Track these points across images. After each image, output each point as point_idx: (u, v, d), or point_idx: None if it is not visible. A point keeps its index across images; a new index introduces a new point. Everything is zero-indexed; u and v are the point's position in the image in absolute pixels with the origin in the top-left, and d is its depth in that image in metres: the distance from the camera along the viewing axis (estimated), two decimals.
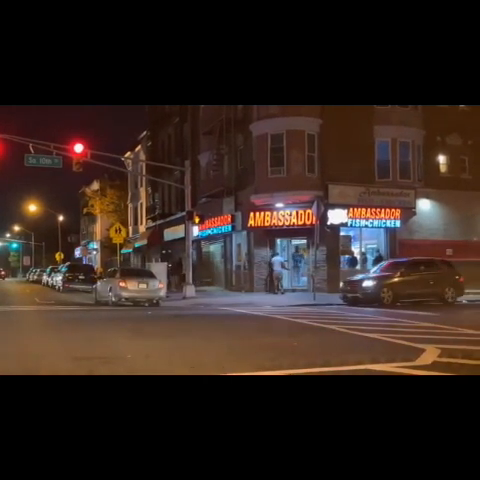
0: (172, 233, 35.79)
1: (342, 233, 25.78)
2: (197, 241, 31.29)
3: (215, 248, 32.47)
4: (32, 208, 62.68)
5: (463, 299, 20.56)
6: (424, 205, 27.00)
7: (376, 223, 25.78)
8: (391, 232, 26.39)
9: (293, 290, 25.45)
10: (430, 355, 7.53)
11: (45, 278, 43.97)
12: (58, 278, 35.09)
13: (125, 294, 20.11)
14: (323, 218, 22.97)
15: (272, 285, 24.75)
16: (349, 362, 6.96)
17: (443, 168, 28.02)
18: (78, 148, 23.29)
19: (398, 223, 26.07)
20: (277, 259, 24.71)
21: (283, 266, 24.76)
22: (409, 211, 26.29)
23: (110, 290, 20.60)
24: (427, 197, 27.01)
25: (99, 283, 23.34)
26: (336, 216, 24.78)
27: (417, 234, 26.72)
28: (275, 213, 25.21)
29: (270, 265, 24.82)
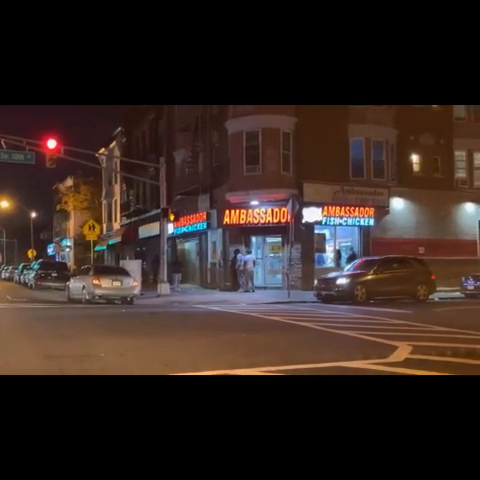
0: (147, 230, 35.57)
1: (317, 231, 25.94)
2: (172, 239, 31.16)
3: (190, 246, 32.38)
4: (4, 204, 61.62)
5: (435, 296, 20.87)
6: (397, 204, 27.32)
7: (350, 221, 26.00)
8: (365, 230, 26.64)
9: (265, 287, 25.51)
10: (403, 352, 7.62)
11: (17, 275, 43.35)
12: (30, 275, 34.64)
13: (98, 292, 19.92)
14: (298, 216, 23.07)
15: (236, 283, 24.86)
16: (324, 359, 7.00)
17: (416, 167, 28.36)
18: (51, 144, 22.97)
19: (372, 221, 26.33)
20: (251, 257, 24.80)
21: (254, 264, 24.85)
22: (383, 210, 26.58)
23: (83, 288, 20.38)
24: (400, 196, 27.33)
25: (72, 280, 23.07)
26: (311, 214, 24.92)
27: (390, 232, 27.02)
28: (250, 211, 25.24)
29: (236, 262, 24.83)
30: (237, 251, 25.42)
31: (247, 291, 24.20)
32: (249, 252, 25.18)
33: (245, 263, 24.66)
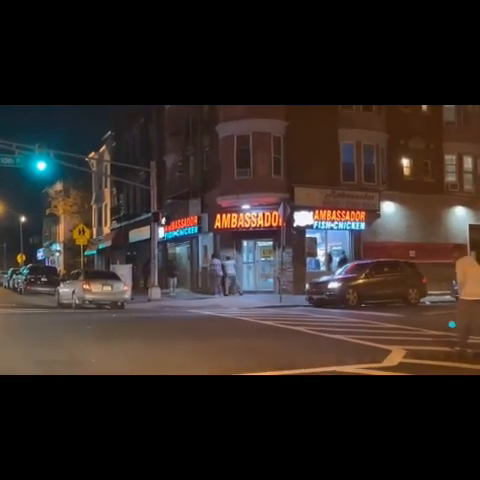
0: (137, 235, 35.41)
1: (308, 235, 25.92)
2: (163, 243, 31.04)
3: (181, 250, 32.27)
4: None
5: (426, 300, 20.92)
6: (388, 208, 27.38)
7: (341, 225, 26.01)
8: (356, 234, 26.65)
9: (255, 291, 25.42)
10: (396, 356, 7.58)
11: (6, 280, 43.01)
12: (20, 280, 34.39)
13: (89, 297, 19.76)
14: (289, 220, 23.05)
15: (222, 287, 24.78)
16: (317, 364, 6.94)
17: (406, 171, 28.44)
18: (41, 148, 22.85)
19: (363, 225, 26.35)
20: (231, 262, 24.76)
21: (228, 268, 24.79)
22: (373, 213, 26.62)
23: (73, 293, 20.22)
24: (391, 200, 27.39)
25: (62, 285, 22.91)
26: (302, 218, 24.90)
27: (381, 236, 27.06)
28: (241, 215, 25.19)
29: (223, 268, 24.69)
30: (214, 256, 25.36)
31: (240, 294, 24.21)
32: (229, 258, 25.02)
33: (224, 268, 24.55)
